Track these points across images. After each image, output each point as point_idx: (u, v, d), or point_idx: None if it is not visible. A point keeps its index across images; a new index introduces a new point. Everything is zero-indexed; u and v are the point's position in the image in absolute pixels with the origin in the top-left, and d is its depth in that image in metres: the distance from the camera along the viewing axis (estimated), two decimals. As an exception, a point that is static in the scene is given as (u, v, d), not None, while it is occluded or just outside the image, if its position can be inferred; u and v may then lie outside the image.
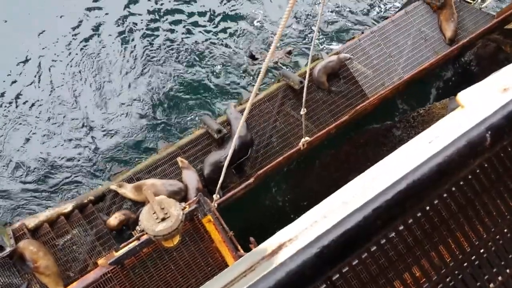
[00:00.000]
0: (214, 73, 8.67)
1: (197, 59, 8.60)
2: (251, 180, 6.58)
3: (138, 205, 6.45)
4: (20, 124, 7.49)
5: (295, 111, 7.44)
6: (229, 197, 6.41)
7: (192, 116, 8.61)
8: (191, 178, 6.52)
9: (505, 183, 1.87)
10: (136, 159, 7.91)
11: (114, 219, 6.13)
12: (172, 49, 8.55)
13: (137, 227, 4.38)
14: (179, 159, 6.72)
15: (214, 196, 5.35)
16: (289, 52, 8.55)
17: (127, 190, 6.35)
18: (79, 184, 7.62)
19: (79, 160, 7.73)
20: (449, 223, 1.79)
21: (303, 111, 5.88)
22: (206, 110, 8.69)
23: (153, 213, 4.21)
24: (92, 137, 7.92)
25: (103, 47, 8.14)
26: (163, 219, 4.16)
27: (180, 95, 8.56)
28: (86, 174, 7.61)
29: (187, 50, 8.71)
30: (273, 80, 8.74)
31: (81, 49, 8.14)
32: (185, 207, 4.56)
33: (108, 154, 7.83)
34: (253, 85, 8.80)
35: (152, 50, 8.59)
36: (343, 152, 8.09)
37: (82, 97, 8.01)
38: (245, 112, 3.75)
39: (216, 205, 5.38)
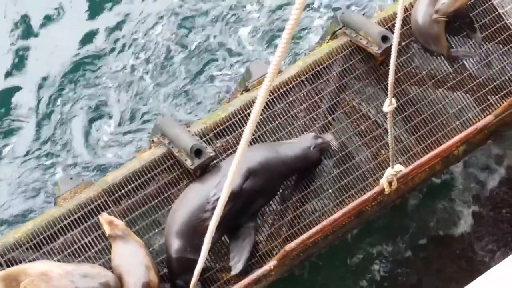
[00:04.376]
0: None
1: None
2: (271, 264, 6.55)
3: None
4: None
5: (371, 106, 7.69)
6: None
7: (138, 120, 9.26)
8: (132, 260, 6.53)
9: None
10: (10, 218, 8.07)
11: None
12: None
13: None
14: (104, 217, 6.75)
15: None
16: None
17: (-14, 288, 6.33)
18: None
19: None
20: None
21: (389, 104, 5.88)
22: (167, 107, 8.85)
23: None
24: None
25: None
26: None
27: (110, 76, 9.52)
28: None
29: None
30: (321, 33, 8.75)
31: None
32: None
33: None
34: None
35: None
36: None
37: None
38: (256, 108, 3.74)
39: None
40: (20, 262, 6.61)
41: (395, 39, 5.37)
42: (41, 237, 6.77)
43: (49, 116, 9.58)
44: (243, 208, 6.82)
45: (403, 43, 7.84)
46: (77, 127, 9.49)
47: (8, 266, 6.55)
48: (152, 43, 10.13)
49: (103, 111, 9.63)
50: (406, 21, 7.85)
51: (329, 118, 7.54)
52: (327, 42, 8.08)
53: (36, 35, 10.24)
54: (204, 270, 5.54)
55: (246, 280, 6.50)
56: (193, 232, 6.58)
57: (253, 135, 7.08)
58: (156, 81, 9.83)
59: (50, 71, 9.89)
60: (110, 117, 9.55)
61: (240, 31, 10.15)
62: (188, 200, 6.82)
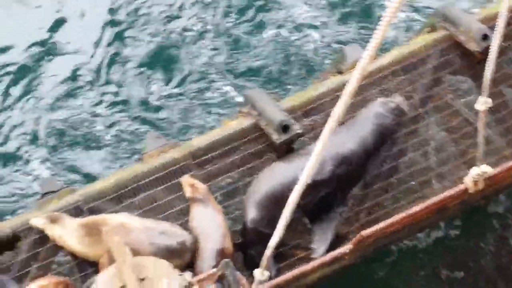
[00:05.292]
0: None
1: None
2: (347, 247, 6.58)
3: (88, 268, 6.58)
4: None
5: (464, 103, 7.68)
6: (291, 280, 6.44)
7: (224, 90, 9.58)
8: (209, 224, 6.66)
9: None
10: (96, 170, 8.51)
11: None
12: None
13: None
14: (187, 179, 6.90)
15: (257, 273, 5.46)
16: None
17: (68, 232, 6.52)
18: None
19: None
20: None
21: (482, 103, 5.86)
22: (259, 80, 9.10)
23: (121, 287, 4.34)
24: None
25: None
26: (141, 304, 4.28)
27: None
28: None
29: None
30: (420, 25, 8.82)
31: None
32: (190, 284, 4.64)
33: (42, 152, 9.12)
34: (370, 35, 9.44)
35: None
36: None
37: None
38: (348, 90, 3.80)
39: (259, 293, 5.46)
40: (101, 212, 6.82)
41: (495, 38, 5.36)
42: (124, 190, 6.98)
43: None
44: (332, 193, 6.92)
45: (505, 44, 7.73)
46: (146, 88, 9.92)
47: (90, 214, 6.78)
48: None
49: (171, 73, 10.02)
50: (510, 22, 7.77)
51: (420, 110, 7.55)
52: (425, 34, 8.09)
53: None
54: (278, 245, 5.57)
55: (319, 261, 6.54)
56: (274, 207, 6.56)
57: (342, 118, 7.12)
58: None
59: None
60: (179, 80, 9.94)
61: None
62: (275, 175, 6.89)
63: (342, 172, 6.88)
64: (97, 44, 10.35)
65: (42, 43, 10.39)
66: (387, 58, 7.78)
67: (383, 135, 7.19)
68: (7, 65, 10.17)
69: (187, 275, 4.64)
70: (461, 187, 6.65)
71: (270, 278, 6.02)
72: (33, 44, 10.38)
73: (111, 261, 5.37)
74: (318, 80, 8.07)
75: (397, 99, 7.29)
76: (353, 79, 3.76)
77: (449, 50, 7.82)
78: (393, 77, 7.66)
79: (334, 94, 7.41)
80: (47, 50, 10.32)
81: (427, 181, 7.28)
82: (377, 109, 7.19)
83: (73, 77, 9.98)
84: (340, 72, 7.80)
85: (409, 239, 7.69)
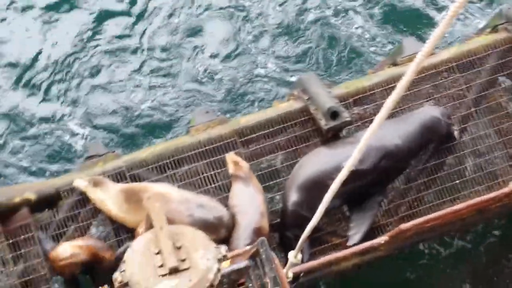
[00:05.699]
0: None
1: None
2: (382, 239, 6.53)
3: (125, 234, 6.73)
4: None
5: None
6: (323, 265, 6.47)
7: (272, 72, 9.55)
8: (249, 203, 6.73)
9: None
10: (141, 140, 8.69)
11: (66, 251, 6.40)
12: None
13: (116, 275, 4.54)
14: (231, 156, 6.97)
15: (291, 255, 5.50)
16: None
17: (109, 196, 6.67)
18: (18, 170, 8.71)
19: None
20: None
21: None
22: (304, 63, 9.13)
23: (156, 253, 4.39)
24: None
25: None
26: (175, 271, 4.32)
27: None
28: (41, 150, 8.98)
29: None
30: (482, 24, 8.72)
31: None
32: (225, 257, 4.67)
33: (96, 119, 9.30)
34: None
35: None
36: None
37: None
38: (402, 83, 3.80)
39: (291, 275, 5.51)
40: (143, 180, 6.95)
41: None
42: (167, 161, 7.07)
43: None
44: (373, 183, 6.94)
45: None
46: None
47: (131, 181, 6.91)
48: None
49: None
50: None
51: (472, 109, 7.52)
52: (486, 34, 8.02)
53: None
54: (315, 230, 5.59)
55: (354, 249, 6.52)
56: (316, 192, 6.46)
57: (392, 110, 7.12)
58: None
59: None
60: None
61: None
62: (320, 160, 6.92)
63: (384, 165, 6.90)
64: (148, 10, 10.37)
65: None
66: (444, 54, 7.73)
67: (429, 140, 7.22)
68: (50, 22, 10.24)
69: (223, 248, 4.66)
70: (504, 190, 6.59)
71: (303, 261, 6.06)
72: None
73: (149, 228, 5.44)
74: (373, 70, 8.06)
75: (456, 127, 7.33)
76: (409, 72, 3.74)
77: (509, 52, 7.73)
78: (448, 74, 7.62)
79: (386, 86, 7.42)
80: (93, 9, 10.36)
81: (470, 181, 7.27)
82: (438, 114, 7.21)
83: (120, 41, 10.05)
84: (395, 64, 7.78)
85: (445, 238, 7.73)
